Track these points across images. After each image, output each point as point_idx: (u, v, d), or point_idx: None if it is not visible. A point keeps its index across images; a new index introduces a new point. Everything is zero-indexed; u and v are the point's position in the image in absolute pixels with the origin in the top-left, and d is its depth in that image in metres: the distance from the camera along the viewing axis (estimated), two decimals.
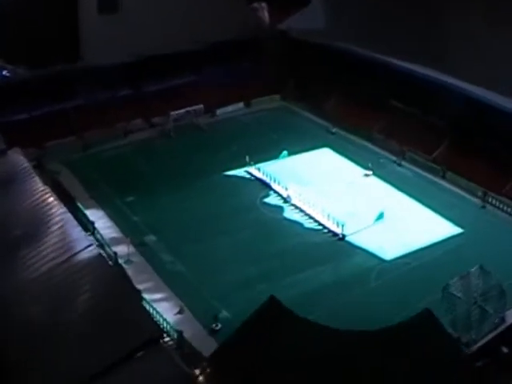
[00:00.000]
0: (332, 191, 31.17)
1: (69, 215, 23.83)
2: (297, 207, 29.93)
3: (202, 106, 37.03)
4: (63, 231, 23.11)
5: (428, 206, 30.51)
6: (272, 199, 30.56)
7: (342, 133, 37.23)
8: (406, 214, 29.90)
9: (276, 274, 25.19)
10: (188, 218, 28.73)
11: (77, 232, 23.16)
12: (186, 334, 21.65)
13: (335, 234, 28.16)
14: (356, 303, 23.84)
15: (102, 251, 24.28)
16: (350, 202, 30.46)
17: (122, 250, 25.71)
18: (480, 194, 31.53)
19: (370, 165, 33.29)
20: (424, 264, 26.05)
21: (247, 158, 32.76)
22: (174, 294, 23.98)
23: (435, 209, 30.29)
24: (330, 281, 25.03)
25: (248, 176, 32.42)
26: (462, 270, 21.90)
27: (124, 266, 24.97)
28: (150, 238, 27.16)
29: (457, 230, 28.92)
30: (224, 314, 23.03)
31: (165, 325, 22.12)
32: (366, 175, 33.15)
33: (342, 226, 28.26)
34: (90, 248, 22.18)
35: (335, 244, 27.61)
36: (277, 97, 41.16)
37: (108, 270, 22.08)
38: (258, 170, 32.35)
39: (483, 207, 31.15)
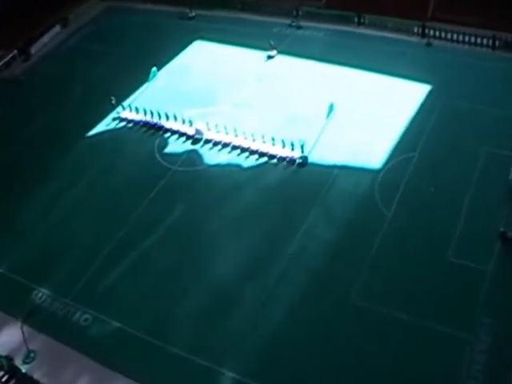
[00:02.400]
0: (244, 99, 22.34)
1: None
2: (216, 143, 20.78)
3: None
4: None
5: (370, 69, 23.03)
6: (175, 146, 21.01)
7: (204, 14, 27.52)
8: (356, 92, 21.94)
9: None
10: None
11: None
12: None
13: (291, 161, 19.87)
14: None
15: None
16: (275, 106, 21.84)
17: None
18: (416, 29, 24.43)
19: (271, 42, 24.28)
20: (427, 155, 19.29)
21: (112, 100, 22.78)
22: None
23: (380, 69, 22.93)
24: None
25: (122, 124, 22.25)
26: None
27: None
28: None
29: (427, 88, 22.19)
30: None
31: None
32: (270, 57, 24.35)
33: (302, 145, 19.76)
34: None
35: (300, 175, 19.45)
36: None
37: None
38: (132, 109, 22.37)
39: (428, 44, 24.22)
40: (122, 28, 27.51)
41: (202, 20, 26.81)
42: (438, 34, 23.74)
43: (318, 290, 16.13)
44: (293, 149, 19.87)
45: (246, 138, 20.51)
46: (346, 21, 24.92)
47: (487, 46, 23.34)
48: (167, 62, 24.72)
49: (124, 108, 22.50)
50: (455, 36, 23.60)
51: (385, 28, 24.33)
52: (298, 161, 19.69)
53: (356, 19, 24.81)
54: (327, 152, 19.83)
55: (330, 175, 19.23)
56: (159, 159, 20.60)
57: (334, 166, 19.44)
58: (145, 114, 22.11)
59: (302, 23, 25.46)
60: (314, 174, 19.40)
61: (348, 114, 21.05)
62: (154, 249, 17.74)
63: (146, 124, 21.99)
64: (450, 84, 21.99)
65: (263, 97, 22.37)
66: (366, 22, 24.76)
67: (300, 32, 25.21)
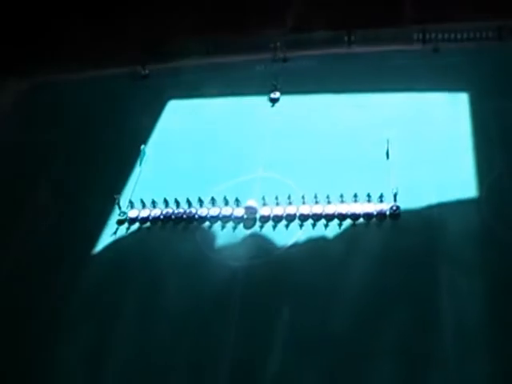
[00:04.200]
0: (274, 157, 17.83)
1: None
2: (278, 218, 16.09)
3: None
4: None
5: (391, 91, 19.54)
6: (225, 235, 16.04)
7: (161, 68, 22.02)
8: (395, 119, 18.33)
9: None
10: None
11: None
12: None
13: (381, 215, 15.95)
14: None
15: None
16: (317, 157, 17.66)
17: None
18: (416, 35, 21.61)
19: (275, 83, 20.04)
20: None
21: (117, 199, 17.00)
22: None
23: (400, 88, 19.70)
24: None
25: (136, 227, 16.60)
26: None
27: None
28: None
29: (464, 96, 19.24)
30: None
31: None
32: (274, 100, 20.04)
33: (395, 194, 15.93)
34: None
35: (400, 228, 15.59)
36: None
37: None
38: (134, 205, 16.99)
39: (436, 50, 21.41)
40: (60, 108, 21.64)
41: (161, 75, 21.70)
42: (441, 36, 21.21)
43: None
44: (381, 200, 16.23)
45: (316, 202, 16.44)
46: (335, 42, 21.49)
47: (493, 38, 21.14)
48: (146, 135, 19.59)
49: (132, 206, 17.22)
50: (459, 35, 21.23)
51: (381, 41, 21.30)
52: (389, 213, 16.09)
53: (346, 38, 21.50)
54: (411, 194, 16.37)
55: (433, 220, 15.80)
56: (214, 258, 15.90)
57: (430, 208, 16.06)
58: (153, 206, 17.07)
59: (285, 54, 21.53)
60: (415, 223, 15.66)
61: (404, 146, 17.54)
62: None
63: (168, 218, 16.84)
64: (481, 85, 19.54)
65: (295, 149, 18.03)
66: (356, 38, 21.51)
67: (289, 65, 21.19)
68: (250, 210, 16.40)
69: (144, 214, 16.98)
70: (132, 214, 17.05)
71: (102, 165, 18.78)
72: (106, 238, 16.68)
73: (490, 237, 14.96)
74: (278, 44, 21.27)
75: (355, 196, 16.16)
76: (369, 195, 16.12)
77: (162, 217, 16.86)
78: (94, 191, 17.91)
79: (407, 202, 15.97)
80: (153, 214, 16.95)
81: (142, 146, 18.80)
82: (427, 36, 21.20)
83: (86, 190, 17.97)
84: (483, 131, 17.70)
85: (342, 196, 16.20)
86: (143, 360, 13.90)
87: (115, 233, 16.79)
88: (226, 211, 16.60)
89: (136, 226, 16.87)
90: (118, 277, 15.72)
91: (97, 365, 13.96)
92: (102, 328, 14.62)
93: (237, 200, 16.60)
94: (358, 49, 21.35)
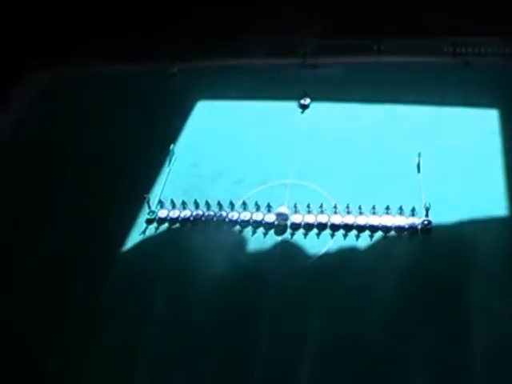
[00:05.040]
0: (304, 165, 17.77)
1: None
2: (309, 226, 16.15)
3: None
4: None
5: (419, 103, 19.50)
6: (257, 241, 16.06)
7: (187, 67, 21.90)
8: (426, 131, 18.38)
9: None
10: None
11: None
12: None
13: (412, 229, 15.97)
14: None
15: None
16: (347, 166, 17.68)
17: None
18: (446, 47, 21.64)
19: (305, 90, 20.05)
20: None
21: (147, 198, 17.16)
22: None
23: (429, 101, 19.66)
24: None
25: (165, 227, 16.62)
26: None
27: None
28: None
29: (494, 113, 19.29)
30: None
31: None
32: (304, 106, 19.99)
33: (427, 208, 16.01)
34: None
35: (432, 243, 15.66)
36: None
37: None
38: (164, 205, 17.02)
39: (466, 64, 21.34)
40: (86, 104, 21.41)
41: (189, 75, 21.62)
42: (470, 50, 21.23)
43: None
44: (413, 214, 16.28)
45: (348, 212, 16.48)
46: (364, 50, 21.44)
47: None
48: (175, 136, 19.55)
49: (162, 206, 17.23)
50: (489, 49, 21.21)
51: (410, 51, 21.28)
52: (420, 227, 16.13)
53: (375, 47, 21.46)
54: (443, 209, 16.45)
55: (464, 236, 15.86)
56: (245, 263, 15.89)
57: (461, 224, 16.12)
58: (183, 207, 17.09)
59: (315, 61, 21.41)
60: (448, 239, 15.75)
61: (434, 160, 17.61)
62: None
63: (199, 219, 16.77)
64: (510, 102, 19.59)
65: (325, 157, 18.04)
66: (386, 48, 21.48)
67: (319, 72, 21.07)
68: (282, 217, 16.43)
69: (174, 214, 17.02)
70: (162, 213, 17.09)
71: (129, 164, 18.79)
72: (135, 237, 16.71)
73: None
74: (308, 49, 21.29)
75: (387, 208, 16.24)
76: (401, 208, 16.22)
77: (192, 218, 16.94)
78: (121, 190, 17.92)
79: (438, 217, 16.09)
80: (183, 215, 16.99)
81: (171, 146, 18.81)
82: (457, 49, 21.22)
83: (114, 189, 17.96)
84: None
85: (373, 207, 16.27)
86: (174, 360, 14.02)
87: (144, 232, 16.83)
88: (257, 216, 16.64)
89: (165, 225, 16.94)
90: (148, 276, 15.76)
91: (128, 363, 14.06)
92: (130, 328, 14.72)
93: (268, 205, 16.64)
94: (387, 58, 21.36)
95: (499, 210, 16.17)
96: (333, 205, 16.49)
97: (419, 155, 17.49)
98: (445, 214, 16.12)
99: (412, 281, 14.99)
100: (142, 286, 15.48)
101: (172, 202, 17.10)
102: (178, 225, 16.92)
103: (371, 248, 15.79)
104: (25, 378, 13.78)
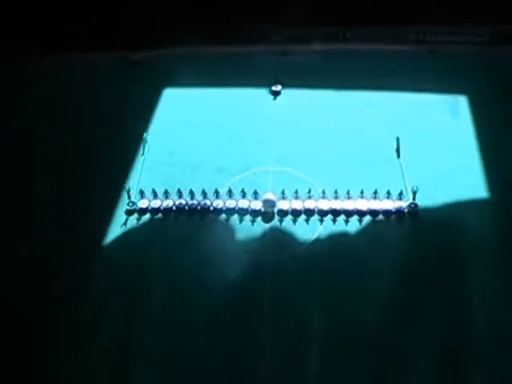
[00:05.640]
0: (283, 151, 17.48)
1: None
2: (296, 213, 15.90)
3: None
4: None
5: (388, 89, 19.65)
6: (245, 229, 15.64)
7: (151, 54, 21.28)
8: (400, 117, 18.53)
9: None
10: None
11: None
12: None
13: (399, 213, 15.96)
14: None
15: None
16: (327, 153, 17.46)
17: None
18: (412, 36, 21.73)
19: (276, 78, 19.71)
20: None
21: (127, 189, 16.48)
22: None
23: (400, 87, 19.82)
24: None
25: (148, 218, 16.04)
26: None
27: None
28: None
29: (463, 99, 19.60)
30: None
31: None
32: (276, 93, 19.72)
33: (414, 192, 15.98)
34: None
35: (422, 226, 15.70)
36: None
37: None
38: (144, 195, 16.37)
39: (431, 52, 21.53)
40: (48, 96, 20.10)
41: (153, 63, 20.89)
42: (434, 38, 21.55)
43: None
44: (401, 198, 16.33)
45: (337, 198, 16.28)
46: (330, 39, 21.36)
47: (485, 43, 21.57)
48: (144, 125, 18.67)
49: (142, 196, 16.51)
50: (452, 38, 21.60)
51: (375, 40, 21.35)
52: (407, 210, 16.20)
53: (342, 34, 21.41)
54: (428, 193, 16.47)
55: (453, 219, 15.93)
56: (236, 252, 15.42)
57: (448, 207, 16.26)
58: (166, 196, 16.47)
59: (284, 48, 21.19)
60: (436, 221, 15.80)
61: (409, 145, 17.90)
62: None
63: (182, 209, 16.17)
64: (477, 88, 19.93)
65: (304, 143, 17.89)
66: (352, 35, 21.50)
67: (289, 59, 20.88)
68: (269, 203, 16.12)
69: (155, 204, 16.42)
70: (142, 204, 16.44)
71: (101, 155, 17.93)
72: (115, 230, 15.97)
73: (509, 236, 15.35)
74: (277, 37, 21.03)
75: (388, 192, 16.23)
76: (375, 192, 16.23)
77: (174, 208, 16.38)
78: (96, 182, 17.06)
79: (423, 200, 16.21)
80: (165, 205, 16.41)
81: (144, 135, 18.15)
82: (423, 37, 21.49)
83: (89, 182, 17.10)
84: (487, 133, 18.21)
85: (376, 192, 16.21)
86: (169, 353, 13.43)
87: (125, 224, 16.14)
88: (243, 204, 16.27)
89: (147, 216, 16.31)
90: (135, 269, 15.05)
91: (123, 358, 13.38)
92: (123, 323, 14.04)
93: (255, 193, 16.31)
94: (355, 46, 21.39)
95: (480, 191, 16.46)
96: (320, 190, 16.35)
97: (398, 140, 17.64)
98: (428, 198, 16.29)
99: (407, 262, 15.05)
100: (131, 280, 14.79)
101: (153, 191, 16.49)
102: (160, 215, 16.35)
103: (361, 232, 15.76)
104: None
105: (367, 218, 15.99)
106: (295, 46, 21.24)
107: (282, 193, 16.28)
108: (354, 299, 14.27)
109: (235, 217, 16.12)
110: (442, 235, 15.51)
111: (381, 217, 16.05)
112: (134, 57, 21.10)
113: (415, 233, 15.85)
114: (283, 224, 15.94)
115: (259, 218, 16.06)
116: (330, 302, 14.25)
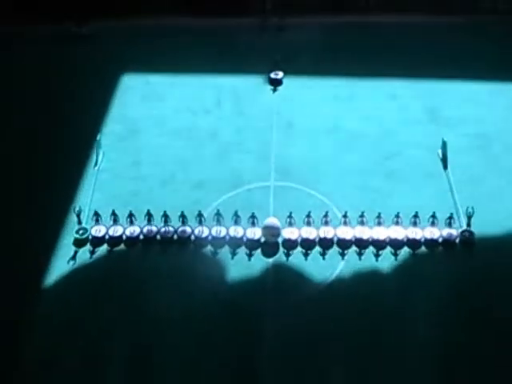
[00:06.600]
0: (290, 162, 13.38)
1: None
2: (308, 244, 11.74)
3: None
4: None
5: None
6: (239, 268, 11.47)
7: (104, 26, 16.57)
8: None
9: None
10: None
11: None
12: None
13: (449, 243, 11.91)
14: None
15: None
16: (348, 165, 13.35)
17: None
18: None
19: (277, 58, 15.23)
20: None
21: (77, 210, 11.97)
22: None
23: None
24: None
25: (104, 250, 11.72)
26: None
27: None
28: None
29: None
30: None
31: None
32: (276, 82, 15.43)
33: (470, 214, 11.91)
34: None
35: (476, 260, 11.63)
36: None
37: None
38: (99, 219, 12.03)
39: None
40: None
41: (107, 39, 16.49)
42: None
43: None
44: (450, 223, 12.22)
45: (362, 223, 12.06)
46: (351, 7, 16.98)
47: None
48: (98, 122, 14.25)
49: (97, 220, 12.12)
50: None
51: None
52: (459, 240, 12.10)
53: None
54: (487, 217, 12.17)
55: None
56: (226, 301, 11.23)
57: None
58: (130, 221, 12.08)
59: (280, 22, 16.82)
60: (498, 256, 11.71)
61: (465, 152, 13.62)
62: None
63: (152, 238, 11.93)
64: None
65: (316, 151, 13.73)
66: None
67: (286, 36, 16.60)
68: (271, 231, 11.89)
69: (115, 231, 12.07)
70: (96, 231, 12.08)
71: (41, 164, 13.60)
72: (62, 266, 11.62)
73: None
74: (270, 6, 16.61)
75: (434, 218, 12.11)
76: (415, 215, 12.08)
77: (142, 236, 12.06)
78: (31, 200, 12.77)
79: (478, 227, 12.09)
80: (128, 233, 12.09)
81: (98, 136, 13.79)
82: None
83: (24, 200, 12.77)
84: None
85: (416, 216, 12.12)
86: None
87: (74, 258, 11.80)
88: (236, 232, 12.03)
89: (104, 248, 11.93)
90: (88, 316, 10.78)
91: None
92: None
93: (252, 216, 12.04)
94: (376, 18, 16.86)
95: None
96: (339, 214, 12.21)
97: (444, 144, 13.51)
98: (487, 223, 12.12)
99: (458, 313, 10.92)
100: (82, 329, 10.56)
101: (113, 214, 12.16)
102: (122, 246, 12.01)
103: (397, 270, 11.60)
104: None
105: (404, 251, 11.88)
106: (296, 19, 16.89)
107: (289, 217, 12.05)
108: (390, 368, 10.11)
109: (225, 249, 11.89)
110: (505, 274, 11.46)
111: (423, 249, 11.93)
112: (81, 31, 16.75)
113: (470, 270, 11.72)
114: (290, 259, 11.75)
115: (258, 251, 11.86)
116: (355, 373, 10.09)
